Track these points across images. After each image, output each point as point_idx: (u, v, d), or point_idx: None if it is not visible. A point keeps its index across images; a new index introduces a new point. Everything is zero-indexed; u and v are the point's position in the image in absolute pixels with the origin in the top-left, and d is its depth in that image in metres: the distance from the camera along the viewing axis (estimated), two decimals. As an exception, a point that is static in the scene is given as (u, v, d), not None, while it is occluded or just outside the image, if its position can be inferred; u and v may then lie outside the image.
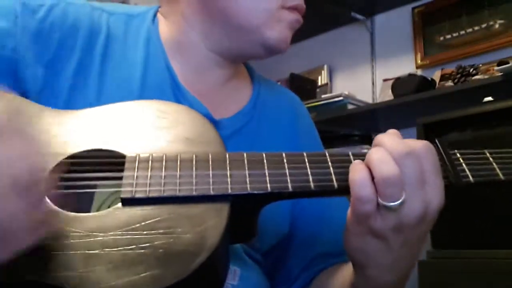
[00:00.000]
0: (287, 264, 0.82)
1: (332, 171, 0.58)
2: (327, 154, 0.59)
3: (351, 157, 0.59)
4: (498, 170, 0.61)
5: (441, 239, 1.77)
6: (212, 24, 0.77)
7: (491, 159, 0.62)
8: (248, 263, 0.76)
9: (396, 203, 0.53)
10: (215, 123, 0.75)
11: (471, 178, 0.60)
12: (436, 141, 0.60)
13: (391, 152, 0.54)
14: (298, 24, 0.79)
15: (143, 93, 0.73)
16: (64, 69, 0.71)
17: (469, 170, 0.60)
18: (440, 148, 0.60)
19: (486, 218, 1.68)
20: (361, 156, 0.58)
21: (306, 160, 0.58)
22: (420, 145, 0.56)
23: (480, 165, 0.61)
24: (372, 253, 0.58)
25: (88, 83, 0.71)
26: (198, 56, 0.79)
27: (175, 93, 0.75)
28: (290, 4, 0.76)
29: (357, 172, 0.55)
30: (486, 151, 0.62)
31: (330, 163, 0.58)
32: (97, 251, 0.49)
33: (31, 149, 0.47)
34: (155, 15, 0.82)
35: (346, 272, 0.71)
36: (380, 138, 0.57)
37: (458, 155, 0.61)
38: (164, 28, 0.80)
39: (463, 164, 0.61)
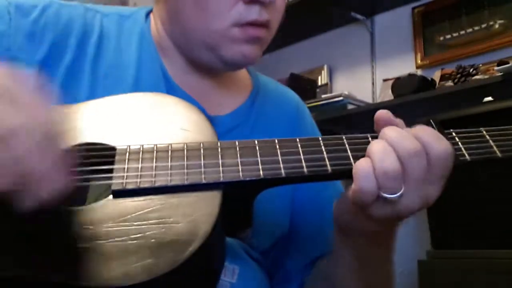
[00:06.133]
0: (287, 264, 0.81)
1: (325, 156, 0.57)
2: (320, 139, 0.59)
3: (345, 140, 0.59)
4: (495, 148, 0.59)
5: (441, 239, 1.77)
6: (180, 36, 0.77)
7: (487, 137, 0.60)
8: (248, 261, 0.75)
9: (394, 195, 0.53)
10: (209, 120, 0.75)
11: (467, 156, 0.58)
12: (431, 121, 0.60)
13: (397, 149, 0.54)
14: (257, 39, 0.73)
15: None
16: (57, 69, 0.71)
17: (465, 148, 0.59)
18: (435, 127, 0.59)
19: (486, 218, 1.68)
20: (355, 139, 0.58)
21: (299, 145, 0.58)
22: (437, 147, 0.54)
23: (477, 143, 0.59)
24: (359, 226, 0.60)
25: (80, 83, 0.72)
26: (179, 59, 0.79)
27: (169, 92, 0.75)
28: (244, 22, 0.71)
29: (361, 163, 0.55)
30: (482, 129, 0.61)
31: (323, 147, 0.58)
32: (89, 244, 0.49)
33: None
34: (147, 15, 0.82)
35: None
36: (387, 132, 0.56)
37: (454, 134, 0.60)
38: (154, 29, 0.81)
39: (459, 143, 0.59)
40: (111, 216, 0.52)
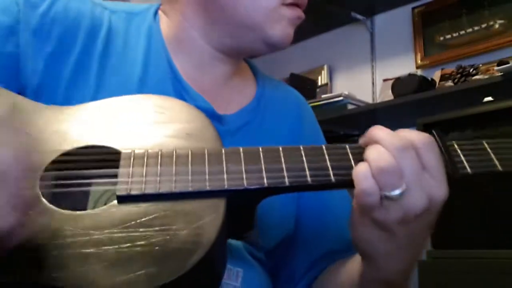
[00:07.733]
0: (292, 263, 0.81)
1: (329, 165, 0.57)
2: (324, 147, 0.59)
3: (348, 149, 0.59)
4: (496, 161, 0.60)
5: (441, 239, 1.77)
6: (213, 23, 0.77)
7: (489, 150, 0.61)
8: (251, 263, 0.75)
9: (396, 192, 0.54)
10: (218, 117, 0.75)
11: (468, 169, 0.59)
12: (434, 132, 0.60)
13: (387, 147, 0.55)
14: (299, 20, 0.78)
15: (143, 89, 0.73)
16: (64, 64, 0.71)
17: (467, 161, 0.59)
18: (438, 139, 0.59)
19: (486, 218, 1.68)
20: (358, 148, 0.58)
21: (303, 153, 0.58)
22: (420, 138, 0.56)
23: (478, 156, 0.60)
24: (377, 243, 0.59)
25: (87, 79, 0.71)
26: (199, 52, 0.79)
27: (177, 89, 0.75)
28: (290, 1, 0.75)
29: (358, 166, 0.56)
30: (484, 141, 0.61)
31: (327, 156, 0.58)
32: (92, 250, 0.49)
33: (22, 146, 0.49)
34: (156, 13, 0.82)
35: (353, 265, 0.71)
36: (375, 134, 0.57)
37: (456, 146, 0.61)
38: (165, 25, 0.80)
39: (461, 155, 0.60)
40: (115, 222, 0.51)
